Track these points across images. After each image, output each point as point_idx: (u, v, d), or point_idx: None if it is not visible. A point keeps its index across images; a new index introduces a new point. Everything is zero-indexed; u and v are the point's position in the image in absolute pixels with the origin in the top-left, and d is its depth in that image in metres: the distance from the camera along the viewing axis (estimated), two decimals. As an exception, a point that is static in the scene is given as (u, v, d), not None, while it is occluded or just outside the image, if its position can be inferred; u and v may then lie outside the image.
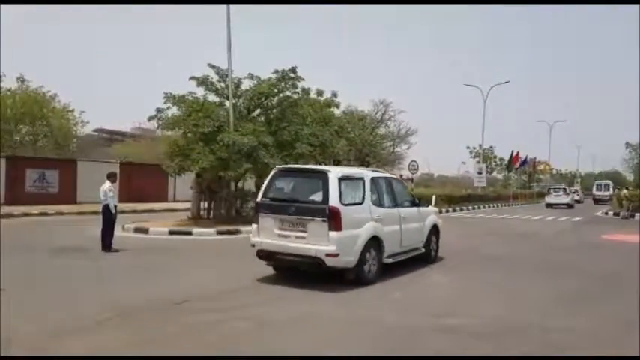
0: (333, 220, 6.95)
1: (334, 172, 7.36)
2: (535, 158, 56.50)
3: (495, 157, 57.99)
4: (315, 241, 7.00)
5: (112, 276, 7.98)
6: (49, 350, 4.44)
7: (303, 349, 4.52)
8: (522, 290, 7.44)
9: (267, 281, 7.53)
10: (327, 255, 6.90)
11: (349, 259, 7.09)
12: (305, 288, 7.01)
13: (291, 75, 16.55)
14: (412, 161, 28.57)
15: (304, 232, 7.12)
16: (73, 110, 29.43)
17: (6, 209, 17.77)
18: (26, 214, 17.52)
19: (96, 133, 38.95)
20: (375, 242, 7.55)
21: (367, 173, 8.20)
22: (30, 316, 5.47)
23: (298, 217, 7.17)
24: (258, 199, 7.82)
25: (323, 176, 7.30)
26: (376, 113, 28.51)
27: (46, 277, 7.73)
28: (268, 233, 7.43)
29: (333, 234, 6.92)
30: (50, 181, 22.34)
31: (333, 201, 7.03)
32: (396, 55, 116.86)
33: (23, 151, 26.28)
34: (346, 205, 7.17)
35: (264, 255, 7.56)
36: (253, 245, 7.62)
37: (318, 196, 7.20)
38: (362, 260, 7.24)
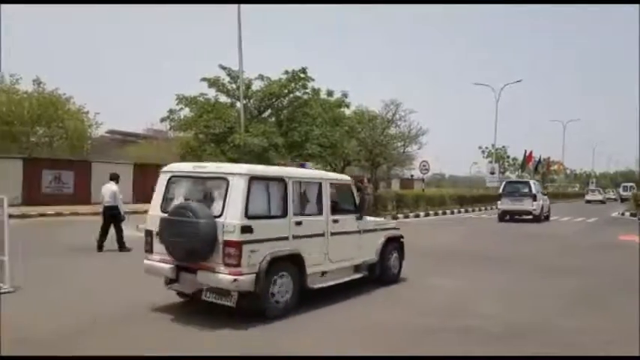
0: (534, 197, 20.70)
1: (532, 181, 22.90)
2: (549, 158, 55.92)
3: (508, 156, 57.32)
4: (527, 206, 20.69)
5: (129, 275, 8.14)
6: (64, 349, 4.58)
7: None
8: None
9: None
10: (533, 209, 20.58)
11: (538, 211, 20.75)
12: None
13: (302, 76, 16.68)
14: (423, 161, 28.48)
15: (522, 202, 20.84)
16: (87, 112, 29.83)
17: (22, 209, 18.11)
18: (42, 215, 17.84)
19: (109, 135, 39.36)
20: (542, 207, 21.17)
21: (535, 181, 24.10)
22: (44, 315, 5.63)
23: (520, 198, 20.90)
24: (500, 191, 21.77)
25: (528, 182, 22.31)
26: (387, 113, 28.46)
27: (60, 276, 7.92)
28: (505, 204, 21.04)
29: (534, 202, 20.63)
30: (65, 182, 22.69)
31: (534, 191, 21.04)
32: (406, 54, 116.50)
33: (39, 152, 26.71)
34: (537, 192, 21.11)
35: (503, 213, 20.99)
36: (498, 208, 21.46)
37: (526, 190, 21.14)
38: (541, 212, 20.95)
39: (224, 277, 5.08)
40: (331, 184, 6.50)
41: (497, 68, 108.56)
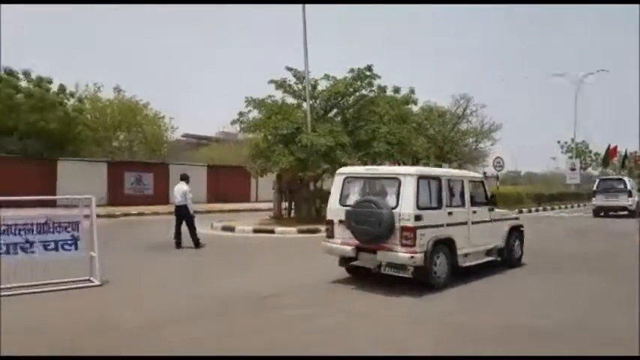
0: (629, 193, 21.34)
1: (626, 178, 22.84)
2: (636, 152, 51.52)
3: (590, 151, 53.54)
4: (622, 202, 21.18)
5: (207, 270, 8.49)
6: (147, 339, 4.81)
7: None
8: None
9: (342, 281, 7.60)
10: (629, 205, 20.94)
11: (634, 207, 20.74)
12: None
13: (367, 74, 16.49)
14: (497, 158, 27.32)
15: (617, 198, 21.33)
16: (163, 117, 31.50)
17: (108, 209, 19.47)
18: (126, 214, 19.08)
19: (184, 138, 41.32)
20: (637, 203, 21.11)
21: (629, 178, 23.65)
22: (131, 307, 5.96)
23: (615, 194, 21.46)
24: (594, 188, 22.13)
25: (622, 179, 22.59)
26: (457, 109, 27.55)
27: (145, 271, 8.36)
28: (599, 200, 21.59)
29: (629, 198, 21.16)
30: (146, 183, 24.14)
31: (629, 187, 21.58)
32: (477, 46, 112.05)
33: (120, 155, 28.58)
34: (632, 189, 21.71)
35: (598, 209, 21.56)
36: (593, 204, 21.92)
37: (621, 186, 21.67)
38: (636, 208, 20.58)
39: (403, 255, 6.46)
40: (470, 181, 7.81)
41: (577, 57, 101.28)
